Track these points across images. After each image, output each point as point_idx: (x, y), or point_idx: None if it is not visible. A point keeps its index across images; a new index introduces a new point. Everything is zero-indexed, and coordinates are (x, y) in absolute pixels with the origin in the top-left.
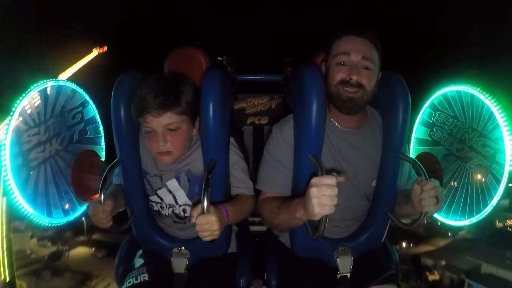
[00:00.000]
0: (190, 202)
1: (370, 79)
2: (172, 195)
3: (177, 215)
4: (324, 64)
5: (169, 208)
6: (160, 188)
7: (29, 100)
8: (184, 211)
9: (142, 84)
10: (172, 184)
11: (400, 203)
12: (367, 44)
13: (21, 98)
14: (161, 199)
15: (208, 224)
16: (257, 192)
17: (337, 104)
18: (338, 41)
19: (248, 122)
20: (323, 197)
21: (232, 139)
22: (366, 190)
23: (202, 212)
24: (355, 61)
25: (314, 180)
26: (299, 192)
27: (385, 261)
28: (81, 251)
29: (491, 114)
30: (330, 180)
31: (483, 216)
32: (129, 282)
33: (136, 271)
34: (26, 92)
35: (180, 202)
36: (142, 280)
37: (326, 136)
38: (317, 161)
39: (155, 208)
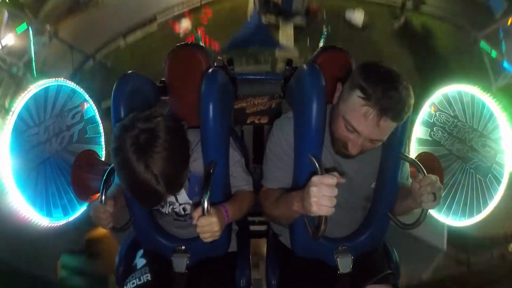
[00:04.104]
0: (190, 201)
1: (372, 147)
2: None
3: (177, 213)
4: (341, 85)
5: (169, 206)
6: None
7: (29, 100)
8: (184, 209)
9: (122, 175)
10: None
11: (401, 197)
12: (385, 127)
13: (20, 98)
14: None
15: (209, 226)
16: (259, 187)
17: (333, 146)
18: (359, 109)
19: (248, 121)
20: (322, 197)
21: (232, 139)
22: (366, 192)
23: (203, 214)
24: (361, 140)
25: (315, 178)
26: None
27: (384, 261)
28: None
29: (492, 114)
30: (331, 180)
31: (484, 216)
32: (133, 283)
33: (138, 272)
34: (26, 92)
35: (180, 201)
36: (145, 280)
37: (325, 138)
38: (317, 161)
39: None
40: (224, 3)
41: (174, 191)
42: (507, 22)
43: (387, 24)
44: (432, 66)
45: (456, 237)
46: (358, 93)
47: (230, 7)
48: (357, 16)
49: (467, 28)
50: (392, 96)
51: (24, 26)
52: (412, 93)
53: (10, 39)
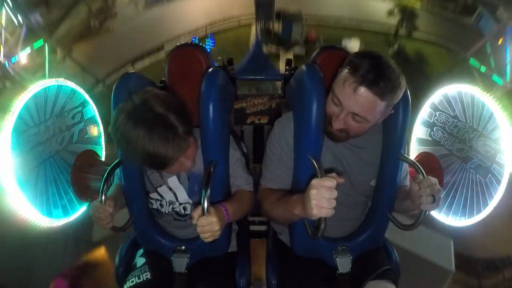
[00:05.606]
0: (190, 200)
1: (358, 128)
2: (173, 192)
3: (177, 213)
4: (340, 70)
5: (169, 205)
6: (160, 186)
7: (29, 100)
8: (184, 208)
9: (136, 137)
10: (173, 181)
11: (400, 197)
12: (369, 99)
13: (20, 98)
14: (161, 196)
15: (209, 226)
16: (259, 186)
17: (325, 128)
18: (343, 77)
19: (248, 121)
20: (322, 199)
21: (232, 138)
22: (366, 189)
23: (203, 214)
24: (343, 114)
25: (314, 182)
26: (299, 192)
27: (383, 259)
28: None
29: (491, 114)
30: (330, 182)
31: (484, 216)
32: (132, 282)
33: (138, 270)
34: (26, 92)
35: (180, 200)
36: (144, 278)
37: (325, 137)
38: (316, 162)
39: (154, 206)
40: (227, 33)
41: (187, 126)
42: (497, 42)
43: (381, 51)
44: (426, 86)
45: (464, 261)
46: (347, 67)
47: (234, 37)
48: (353, 44)
49: (456, 50)
50: (374, 69)
51: (40, 42)
52: (401, 79)
53: (25, 56)
